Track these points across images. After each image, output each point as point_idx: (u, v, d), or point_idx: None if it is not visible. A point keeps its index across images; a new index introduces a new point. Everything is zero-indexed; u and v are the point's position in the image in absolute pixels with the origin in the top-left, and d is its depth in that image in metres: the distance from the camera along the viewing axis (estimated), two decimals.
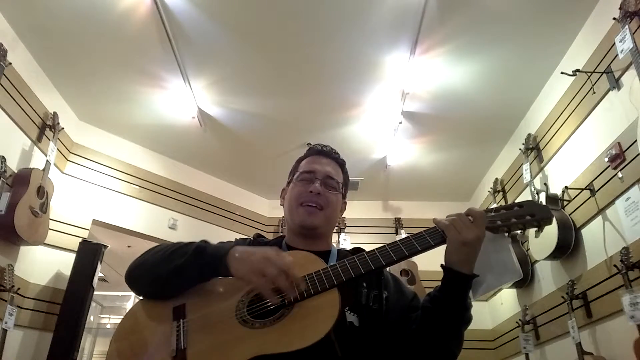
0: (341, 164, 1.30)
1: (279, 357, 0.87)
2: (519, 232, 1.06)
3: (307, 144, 1.32)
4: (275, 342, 0.89)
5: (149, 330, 1.02)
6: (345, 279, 0.96)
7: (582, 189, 2.62)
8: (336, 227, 2.79)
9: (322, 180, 1.20)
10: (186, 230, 4.17)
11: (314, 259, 1.03)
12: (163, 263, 1.04)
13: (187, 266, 1.01)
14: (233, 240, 1.24)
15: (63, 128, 3.34)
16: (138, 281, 1.09)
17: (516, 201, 3.63)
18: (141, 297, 1.11)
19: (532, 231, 2.92)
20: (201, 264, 1.01)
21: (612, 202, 2.37)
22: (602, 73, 2.45)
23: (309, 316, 0.92)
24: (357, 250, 1.08)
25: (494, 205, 4.06)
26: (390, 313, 1.07)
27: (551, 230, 2.71)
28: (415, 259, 3.44)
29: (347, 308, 1.02)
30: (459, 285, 0.98)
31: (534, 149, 3.23)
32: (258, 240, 1.22)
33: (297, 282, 0.93)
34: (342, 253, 1.20)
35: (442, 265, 1.01)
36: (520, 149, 3.31)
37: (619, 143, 2.32)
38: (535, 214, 1.02)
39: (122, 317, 1.07)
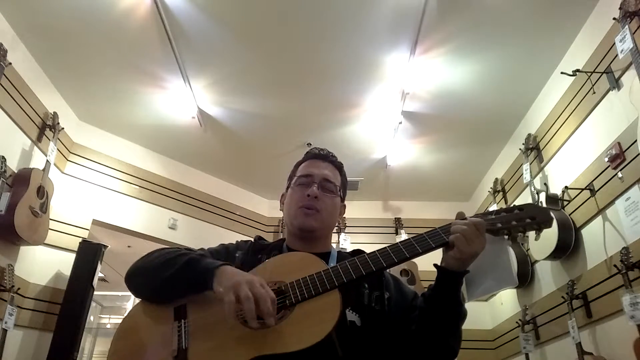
0: (339, 166, 1.29)
1: (279, 358, 0.87)
2: (519, 234, 1.05)
3: (308, 144, 1.33)
4: (276, 343, 0.89)
5: (150, 330, 1.02)
6: (346, 280, 0.96)
7: (582, 189, 2.62)
8: (336, 228, 2.81)
9: (320, 183, 1.20)
10: (186, 230, 4.17)
11: (314, 260, 1.03)
12: (157, 272, 1.04)
13: (178, 277, 1.01)
14: (234, 242, 1.24)
15: (63, 128, 3.34)
16: (135, 288, 1.10)
17: (516, 202, 3.65)
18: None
19: (531, 233, 2.92)
20: (191, 277, 1.00)
21: (612, 202, 2.37)
22: (602, 73, 2.45)
23: (310, 317, 0.92)
24: (357, 252, 1.09)
25: (494, 205, 4.01)
26: (392, 313, 1.08)
27: (551, 231, 2.70)
28: (415, 259, 3.42)
29: (348, 308, 1.02)
30: (452, 282, 1.00)
31: (534, 149, 3.23)
32: (259, 243, 1.22)
33: (265, 315, 0.87)
34: (341, 255, 1.20)
35: (435, 265, 1.02)
36: (520, 149, 3.31)
37: (619, 143, 2.32)
38: (535, 217, 1.02)
39: (123, 317, 1.07)
